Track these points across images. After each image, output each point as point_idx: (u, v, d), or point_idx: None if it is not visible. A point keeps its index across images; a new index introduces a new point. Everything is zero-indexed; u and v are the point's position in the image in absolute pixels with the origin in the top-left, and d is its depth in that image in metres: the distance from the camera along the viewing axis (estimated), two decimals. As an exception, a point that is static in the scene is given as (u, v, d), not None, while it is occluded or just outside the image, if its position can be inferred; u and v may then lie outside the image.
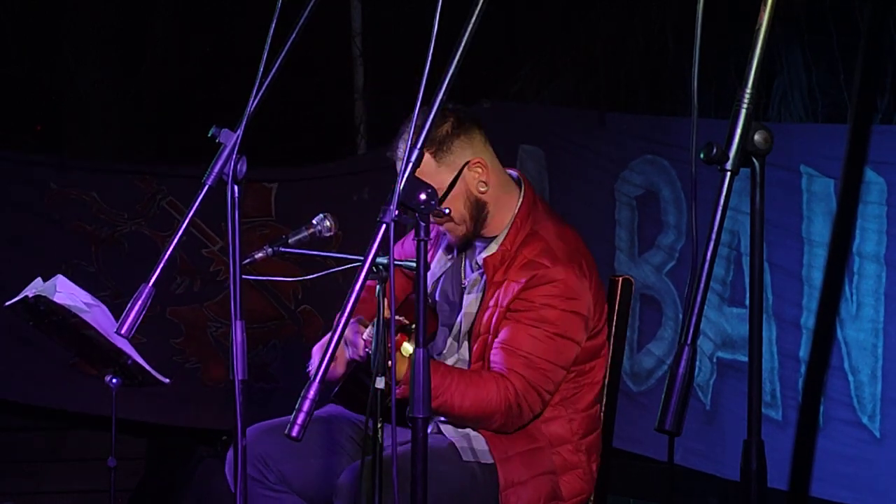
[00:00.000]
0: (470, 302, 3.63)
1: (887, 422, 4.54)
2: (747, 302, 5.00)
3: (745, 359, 4.97)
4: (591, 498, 3.66)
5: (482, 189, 3.58)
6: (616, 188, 5.51)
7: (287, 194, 6.19)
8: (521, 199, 3.64)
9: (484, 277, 3.61)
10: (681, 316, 5.27)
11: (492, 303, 3.56)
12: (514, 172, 3.72)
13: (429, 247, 2.65)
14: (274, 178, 6.22)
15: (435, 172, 3.55)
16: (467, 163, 3.57)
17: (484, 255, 3.61)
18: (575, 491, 3.61)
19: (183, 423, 6.10)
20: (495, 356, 3.52)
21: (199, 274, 6.16)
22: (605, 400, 3.69)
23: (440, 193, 3.55)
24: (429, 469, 2.72)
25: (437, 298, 3.74)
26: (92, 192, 6.16)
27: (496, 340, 3.53)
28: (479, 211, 3.60)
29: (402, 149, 3.59)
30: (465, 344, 3.63)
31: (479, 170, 3.58)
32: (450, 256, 3.76)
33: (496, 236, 3.62)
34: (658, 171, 5.35)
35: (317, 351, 3.70)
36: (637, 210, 5.44)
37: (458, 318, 3.66)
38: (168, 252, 2.89)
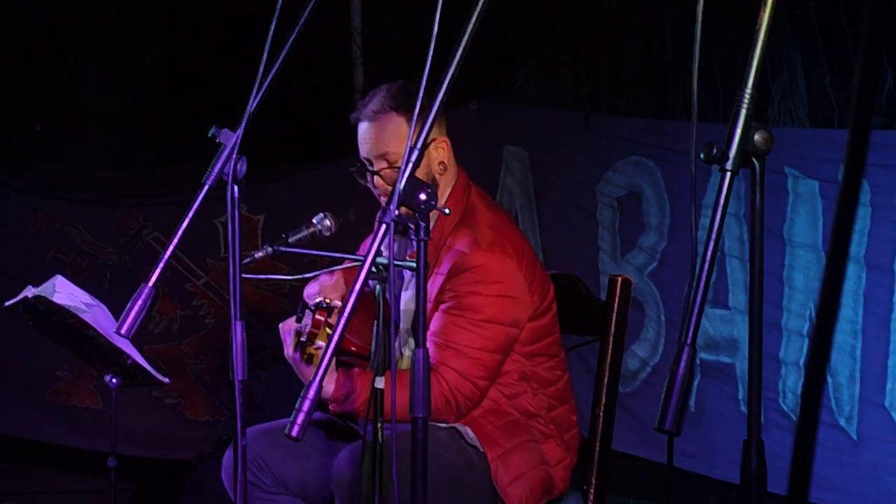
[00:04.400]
0: (407, 299, 3.59)
1: (864, 424, 4.52)
2: (730, 303, 5.02)
3: (729, 360, 4.95)
4: (590, 488, 3.67)
5: (440, 170, 3.57)
6: (598, 189, 5.49)
7: (274, 225, 6.07)
8: (452, 186, 3.62)
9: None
10: (662, 317, 5.25)
11: None
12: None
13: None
14: (260, 210, 6.13)
15: (405, 138, 3.52)
16: (434, 140, 3.56)
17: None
18: (557, 457, 3.63)
19: (167, 456, 5.97)
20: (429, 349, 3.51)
21: (181, 310, 6.13)
22: (604, 400, 3.69)
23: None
24: (429, 453, 2.71)
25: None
26: (78, 224, 6.12)
27: (428, 333, 3.50)
28: None
29: (371, 109, 3.56)
30: (411, 341, 3.58)
31: (443, 150, 3.57)
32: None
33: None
34: (642, 172, 5.33)
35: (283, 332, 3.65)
36: (618, 211, 5.43)
37: (398, 317, 3.60)
38: (169, 251, 2.88)
